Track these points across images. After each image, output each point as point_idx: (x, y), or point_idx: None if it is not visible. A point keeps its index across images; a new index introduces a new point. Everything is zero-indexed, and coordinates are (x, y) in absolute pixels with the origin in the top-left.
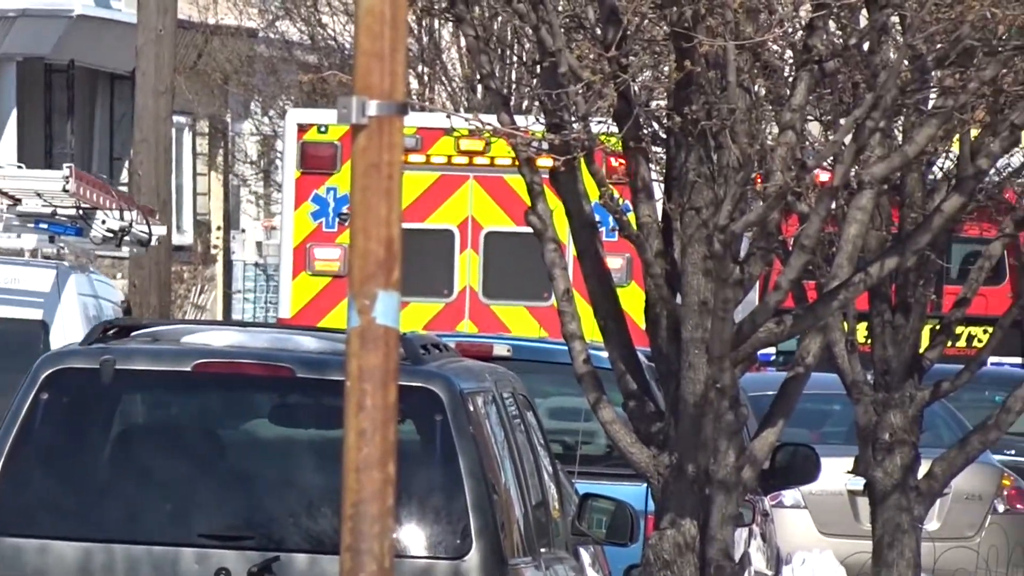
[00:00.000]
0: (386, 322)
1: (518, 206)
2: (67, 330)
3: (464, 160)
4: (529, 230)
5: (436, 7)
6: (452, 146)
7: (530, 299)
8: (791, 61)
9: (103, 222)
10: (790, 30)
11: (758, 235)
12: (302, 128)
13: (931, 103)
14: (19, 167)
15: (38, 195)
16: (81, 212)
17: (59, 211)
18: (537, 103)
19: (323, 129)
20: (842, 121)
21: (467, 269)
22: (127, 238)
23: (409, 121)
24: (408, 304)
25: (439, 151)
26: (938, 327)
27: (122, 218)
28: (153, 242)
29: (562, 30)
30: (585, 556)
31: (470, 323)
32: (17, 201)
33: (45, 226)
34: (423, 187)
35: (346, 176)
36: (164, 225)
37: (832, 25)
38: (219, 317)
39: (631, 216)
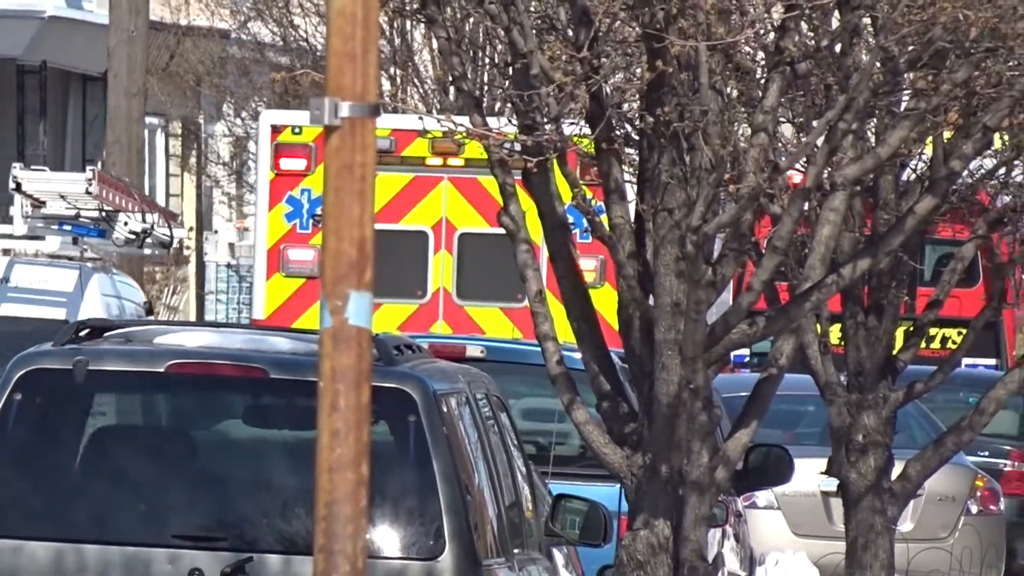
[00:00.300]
0: (359, 323)
1: (492, 207)
2: None
3: (438, 161)
4: (503, 231)
5: (408, 8)
6: (426, 147)
7: (504, 300)
8: (763, 63)
9: (125, 224)
10: (762, 32)
11: (730, 236)
12: (276, 129)
13: (904, 105)
14: (43, 170)
15: (62, 197)
16: (104, 214)
17: (82, 213)
18: (509, 104)
19: (297, 131)
20: (814, 123)
21: (441, 270)
22: (148, 240)
23: (383, 123)
24: (382, 305)
25: (413, 152)
26: (911, 329)
27: (144, 220)
28: (175, 244)
29: (534, 31)
30: (559, 557)
31: (444, 324)
32: (42, 203)
33: (69, 228)
34: (397, 188)
35: (320, 177)
36: (185, 228)
37: (804, 27)
38: (191, 318)
39: (604, 217)
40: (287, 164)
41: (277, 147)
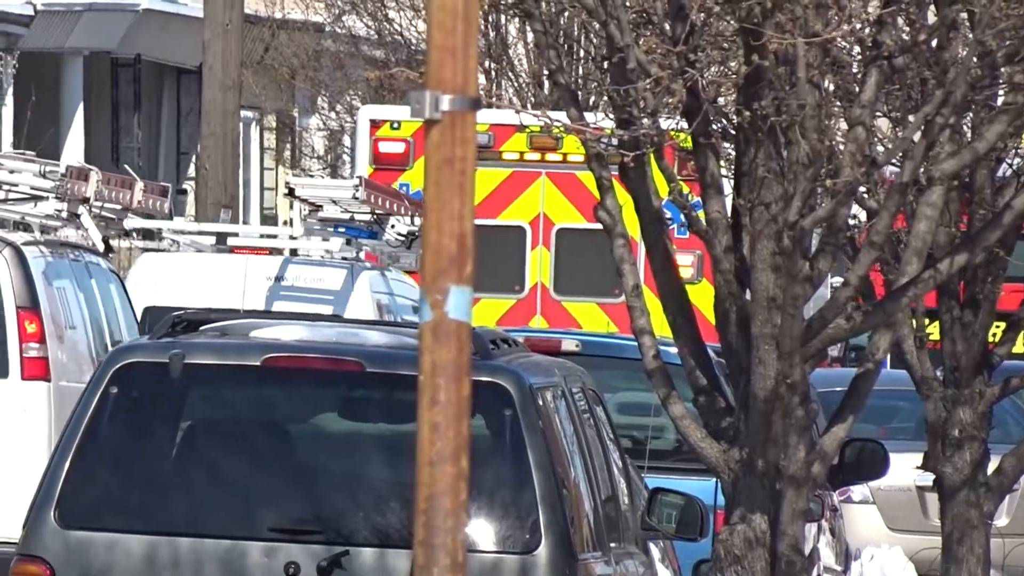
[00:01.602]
0: (458, 317)
1: (590, 202)
2: None
3: (536, 156)
4: (600, 227)
5: (504, 2)
6: (524, 143)
7: (601, 295)
8: (860, 57)
9: (392, 227)
10: (859, 26)
11: (827, 231)
12: (375, 124)
13: (1000, 100)
14: (312, 176)
15: (333, 202)
16: (375, 218)
17: (356, 216)
18: (606, 99)
19: (396, 125)
20: (911, 118)
21: (539, 265)
22: (417, 241)
23: (482, 118)
24: (480, 300)
25: (511, 147)
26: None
27: (412, 223)
28: None
29: (630, 25)
30: (655, 551)
31: (541, 319)
32: (318, 208)
33: (343, 230)
34: (495, 183)
35: (419, 172)
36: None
37: (901, 21)
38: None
39: (700, 212)
40: (386, 159)
41: (376, 141)
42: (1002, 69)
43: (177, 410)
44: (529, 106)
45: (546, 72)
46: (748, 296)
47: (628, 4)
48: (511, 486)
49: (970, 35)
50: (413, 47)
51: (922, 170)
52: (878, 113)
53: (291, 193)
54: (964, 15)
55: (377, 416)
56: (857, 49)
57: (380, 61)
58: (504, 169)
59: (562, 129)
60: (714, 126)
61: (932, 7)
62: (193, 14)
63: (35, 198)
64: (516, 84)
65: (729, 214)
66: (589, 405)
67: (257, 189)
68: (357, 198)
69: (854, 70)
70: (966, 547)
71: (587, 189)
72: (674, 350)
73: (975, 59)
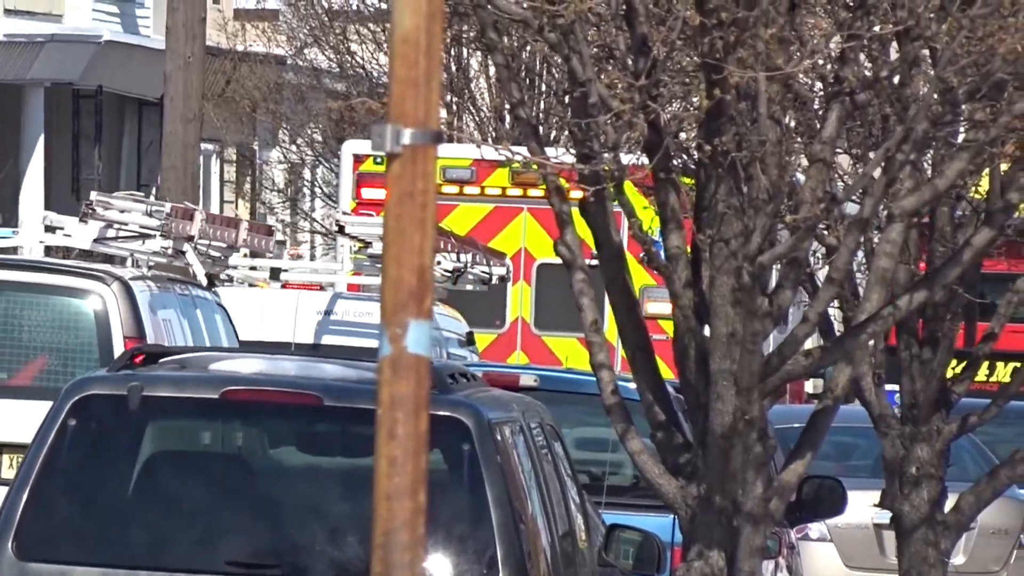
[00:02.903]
0: (418, 351)
1: None
2: None
3: (518, 192)
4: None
5: (466, 36)
6: (507, 178)
7: (581, 331)
8: (821, 93)
9: (439, 263)
10: (821, 62)
11: (787, 267)
12: (358, 159)
13: (961, 137)
14: (370, 215)
15: (380, 240)
16: None
17: None
18: (567, 133)
19: (379, 160)
20: (872, 154)
21: (519, 300)
22: (468, 276)
23: (464, 153)
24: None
25: (494, 183)
26: (966, 362)
27: (458, 260)
28: (494, 280)
29: (592, 60)
30: None
31: (522, 354)
32: (368, 244)
33: None
34: (477, 218)
35: None
36: (505, 266)
37: (863, 57)
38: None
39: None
40: (369, 193)
41: (359, 176)
42: (963, 106)
43: (135, 442)
44: (490, 140)
45: (507, 106)
46: (707, 332)
47: (590, 38)
48: (469, 520)
49: (931, 72)
50: (375, 80)
51: (882, 207)
52: (839, 149)
53: (341, 231)
54: (926, 51)
55: (335, 450)
56: (819, 85)
57: (341, 94)
58: (486, 205)
59: (522, 164)
60: (675, 161)
61: (894, 43)
62: (155, 46)
63: (143, 236)
64: (478, 118)
65: (689, 249)
66: (547, 440)
67: None
68: None
69: (815, 106)
70: None
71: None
72: (633, 385)
73: (936, 96)
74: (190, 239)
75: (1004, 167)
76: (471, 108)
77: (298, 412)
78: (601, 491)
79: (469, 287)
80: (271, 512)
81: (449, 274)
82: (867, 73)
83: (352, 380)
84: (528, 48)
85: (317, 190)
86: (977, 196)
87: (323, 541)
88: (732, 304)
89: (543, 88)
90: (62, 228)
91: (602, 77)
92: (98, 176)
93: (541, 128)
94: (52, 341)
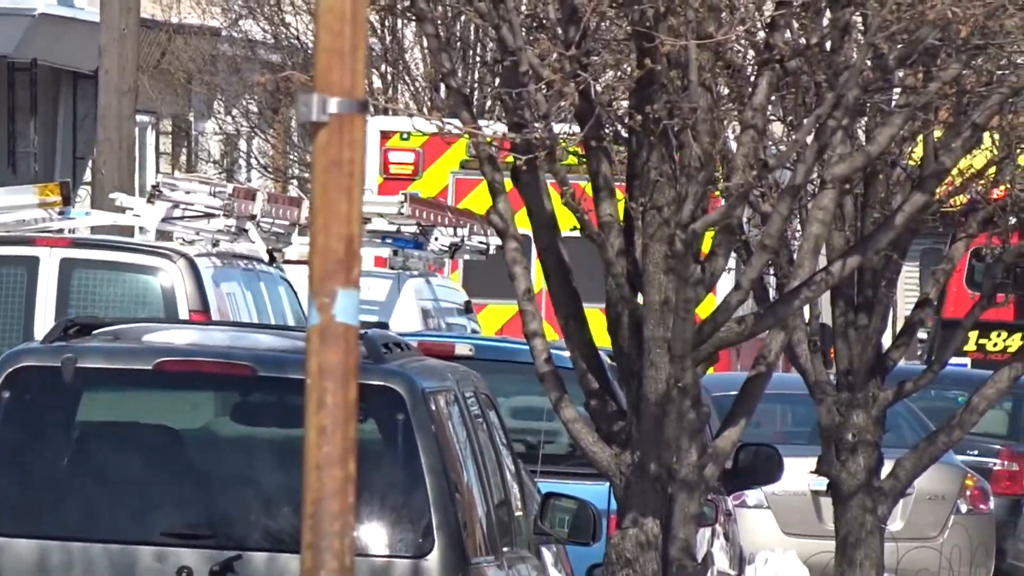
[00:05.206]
0: (346, 320)
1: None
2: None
3: None
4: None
5: (398, 6)
6: None
7: (602, 302)
8: (753, 60)
9: (436, 239)
10: (752, 29)
11: (720, 234)
12: (384, 135)
13: (894, 103)
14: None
15: (380, 216)
16: (421, 229)
17: (402, 228)
18: (499, 102)
19: (405, 136)
20: (804, 121)
21: (542, 273)
22: (464, 248)
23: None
24: (485, 307)
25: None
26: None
27: (455, 234)
28: (491, 250)
29: (523, 29)
30: (547, 555)
31: (547, 324)
32: (367, 220)
33: (390, 241)
34: None
35: (428, 182)
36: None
37: (794, 24)
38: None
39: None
40: (396, 169)
41: (386, 152)
42: (894, 72)
43: (69, 414)
44: (425, 110)
45: (440, 76)
46: (640, 299)
47: (521, 8)
48: (403, 490)
49: (862, 38)
50: (309, 51)
51: (815, 173)
52: (771, 116)
53: None
54: (857, 18)
55: (268, 420)
56: (750, 52)
57: (277, 65)
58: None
59: (452, 132)
60: (607, 129)
61: (826, 10)
62: (89, 19)
63: (208, 215)
64: (412, 88)
65: (622, 217)
66: (482, 409)
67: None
68: (402, 213)
69: (747, 73)
70: (860, 551)
71: (590, 199)
72: (567, 354)
73: (867, 62)
74: (252, 218)
75: (937, 133)
76: (406, 79)
77: (231, 383)
78: (536, 460)
79: (468, 257)
80: (205, 483)
81: (447, 248)
82: (798, 40)
83: (285, 350)
84: (461, 18)
85: (253, 161)
86: (911, 163)
87: (257, 511)
88: (665, 272)
89: (476, 58)
90: (132, 209)
91: (533, 46)
92: (34, 149)
93: (474, 98)
94: (124, 316)
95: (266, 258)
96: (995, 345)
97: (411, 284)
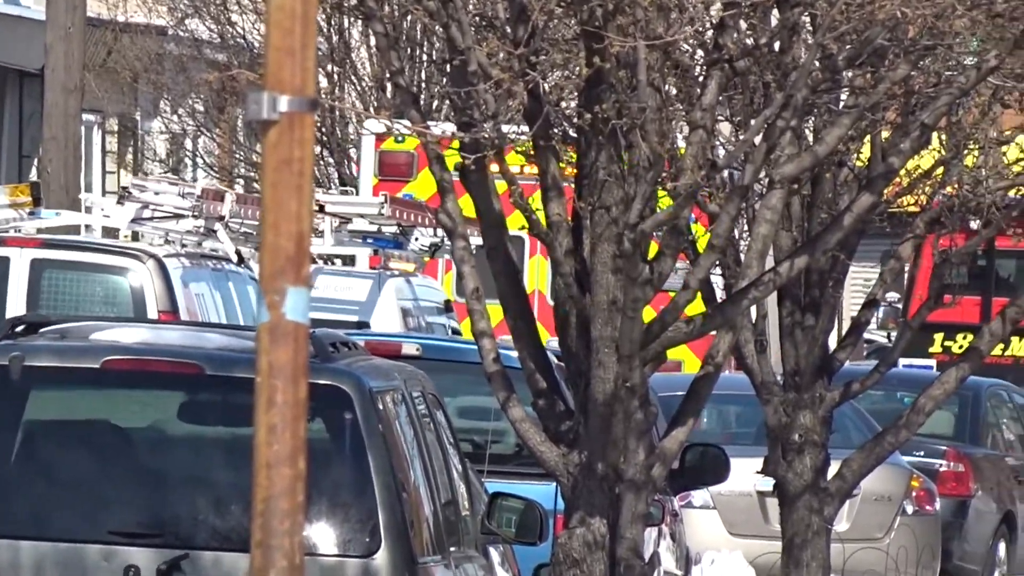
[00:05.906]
0: (295, 318)
1: None
2: (385, 330)
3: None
4: None
5: (346, 4)
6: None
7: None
8: (702, 60)
9: (416, 239)
10: (701, 29)
11: (668, 234)
12: (380, 137)
13: (842, 103)
14: (347, 191)
15: (361, 216)
16: (401, 230)
17: (382, 228)
18: (447, 102)
19: (400, 139)
20: (752, 121)
21: (536, 274)
22: (444, 247)
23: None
24: None
25: (513, 160)
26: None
27: (435, 234)
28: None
29: (472, 28)
30: (495, 555)
31: (540, 325)
32: (348, 220)
33: (371, 241)
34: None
35: (422, 183)
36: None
37: (743, 24)
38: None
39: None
40: (390, 170)
41: (381, 154)
42: (843, 72)
43: (16, 412)
44: (371, 109)
45: (388, 75)
46: (588, 299)
47: (470, 7)
48: (351, 490)
49: (811, 38)
50: (255, 51)
51: (763, 173)
52: (720, 116)
53: (321, 209)
54: (806, 18)
55: (217, 419)
56: (699, 52)
57: (223, 64)
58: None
59: (401, 132)
60: (555, 129)
61: (774, 10)
62: (35, 17)
63: (177, 216)
64: (359, 87)
65: (570, 217)
66: (429, 409)
67: (99, 192)
68: (382, 214)
69: (695, 73)
70: (807, 552)
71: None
72: (514, 354)
73: (816, 62)
74: (221, 219)
75: (885, 134)
76: (352, 78)
77: (179, 381)
78: (484, 459)
79: (447, 256)
80: (153, 482)
81: (426, 248)
82: (747, 40)
83: (234, 349)
84: (409, 17)
85: (199, 160)
86: (859, 163)
87: (205, 510)
88: (613, 271)
89: (424, 57)
90: (102, 209)
91: (482, 45)
92: None
93: (422, 97)
94: (94, 316)
95: (235, 258)
96: (960, 347)
97: (391, 284)
